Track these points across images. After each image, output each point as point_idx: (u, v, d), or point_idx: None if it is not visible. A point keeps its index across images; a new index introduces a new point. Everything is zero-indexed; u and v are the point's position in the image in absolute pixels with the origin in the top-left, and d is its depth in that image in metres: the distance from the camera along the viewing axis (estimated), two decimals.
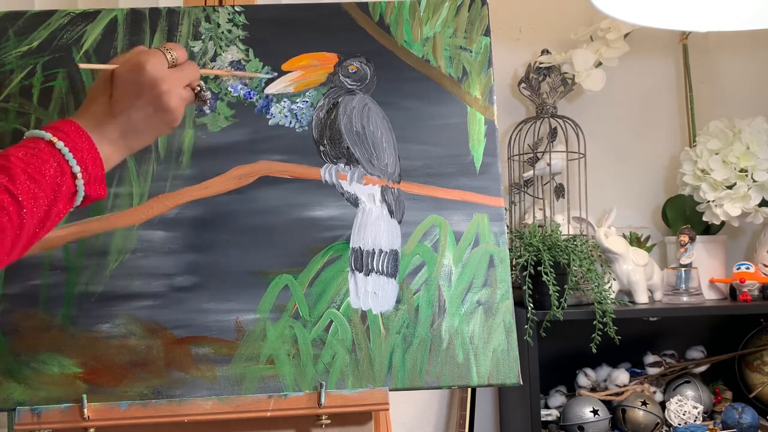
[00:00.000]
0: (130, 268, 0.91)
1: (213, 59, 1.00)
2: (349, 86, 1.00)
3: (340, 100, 0.99)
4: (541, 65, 1.53)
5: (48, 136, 0.73)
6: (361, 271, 0.94)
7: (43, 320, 0.89)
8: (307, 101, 0.99)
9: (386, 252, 0.95)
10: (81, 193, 0.75)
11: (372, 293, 0.93)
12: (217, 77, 0.99)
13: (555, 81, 1.52)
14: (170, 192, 0.94)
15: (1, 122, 0.97)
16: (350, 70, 1.00)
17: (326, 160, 0.97)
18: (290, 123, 0.98)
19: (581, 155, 1.53)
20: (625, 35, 1.53)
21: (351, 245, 0.94)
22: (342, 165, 0.97)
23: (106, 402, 0.87)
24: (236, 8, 1.02)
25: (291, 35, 1.01)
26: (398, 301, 0.93)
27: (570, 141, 1.54)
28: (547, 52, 1.54)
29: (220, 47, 1.00)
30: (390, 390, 0.90)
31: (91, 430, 0.86)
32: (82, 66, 0.86)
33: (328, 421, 0.87)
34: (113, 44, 1.00)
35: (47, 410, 0.86)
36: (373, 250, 0.94)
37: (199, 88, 0.83)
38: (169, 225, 0.93)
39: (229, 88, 0.99)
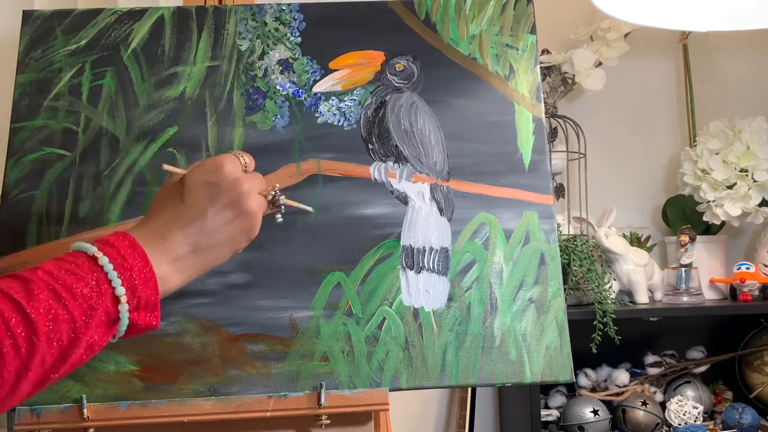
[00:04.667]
0: None
1: (260, 58, 1.00)
2: (397, 84, 1.00)
3: (387, 98, 0.99)
4: (541, 65, 1.53)
5: (92, 249, 0.62)
6: (412, 269, 0.94)
7: None
8: (355, 99, 0.99)
9: (437, 250, 0.95)
10: (125, 321, 0.62)
11: (424, 291, 0.93)
12: (266, 75, 0.99)
13: (555, 81, 1.52)
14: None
15: (51, 121, 0.97)
16: (397, 69, 1.00)
17: (375, 158, 0.97)
18: (339, 121, 0.98)
19: (581, 155, 1.53)
20: (625, 35, 1.53)
21: (402, 243, 0.94)
22: (391, 163, 0.97)
23: (106, 402, 0.86)
24: (283, 6, 1.02)
25: (338, 33, 1.01)
26: (450, 299, 0.93)
27: (570, 141, 1.54)
28: (547, 51, 1.54)
29: (268, 45, 1.01)
30: (439, 387, 0.89)
31: (91, 430, 0.86)
32: (166, 168, 0.74)
33: (328, 422, 0.87)
34: (161, 42, 1.00)
35: (47, 410, 0.86)
36: (424, 247, 0.95)
37: (274, 193, 0.77)
38: None
39: (278, 86, 0.99)
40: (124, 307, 0.62)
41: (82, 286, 0.59)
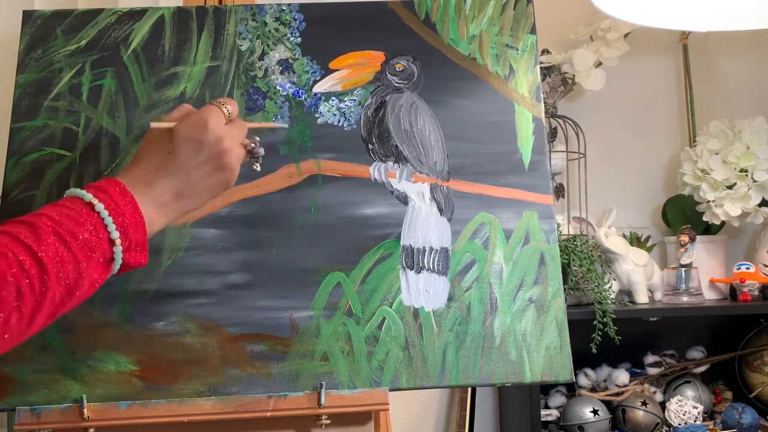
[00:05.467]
0: (184, 266, 0.92)
1: (261, 58, 1.00)
2: (397, 84, 1.00)
3: (387, 98, 0.99)
4: (541, 65, 1.53)
5: (88, 196, 0.68)
6: (412, 269, 0.94)
7: (98, 318, 0.89)
8: (355, 99, 0.99)
9: (437, 250, 0.95)
10: (118, 261, 0.69)
11: (424, 291, 0.93)
12: (266, 75, 0.99)
13: (555, 81, 1.53)
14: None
15: (52, 121, 0.97)
16: (397, 69, 1.00)
17: (375, 159, 0.97)
18: (339, 121, 0.98)
19: (581, 155, 1.53)
20: (625, 35, 1.53)
21: (402, 243, 0.94)
22: (391, 163, 0.97)
23: (106, 402, 0.86)
24: (283, 7, 1.02)
25: (338, 34, 1.01)
26: (450, 299, 0.93)
27: (570, 141, 1.54)
28: (547, 51, 1.54)
29: (268, 46, 1.01)
30: (439, 387, 0.89)
31: (91, 430, 0.86)
32: (154, 125, 0.77)
33: (328, 422, 0.87)
34: (161, 42, 1.00)
35: (47, 410, 0.86)
36: (424, 247, 0.95)
37: (253, 145, 0.81)
38: (221, 223, 0.93)
39: (278, 87, 0.99)
40: (118, 249, 0.68)
41: (82, 230, 0.65)
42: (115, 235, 0.68)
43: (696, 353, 1.56)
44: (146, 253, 0.72)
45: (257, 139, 0.82)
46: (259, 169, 0.84)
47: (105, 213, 0.67)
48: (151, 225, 0.72)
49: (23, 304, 0.61)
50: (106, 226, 0.67)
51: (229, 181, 0.78)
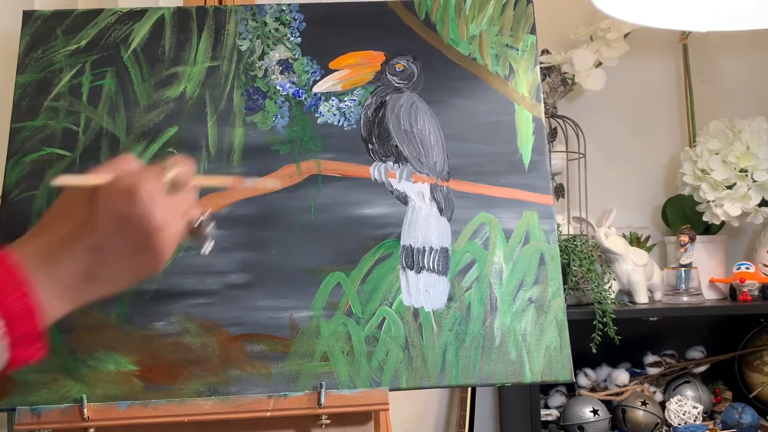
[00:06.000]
0: (184, 266, 0.92)
1: (261, 58, 1.00)
2: (397, 84, 1.00)
3: (387, 98, 0.99)
4: (541, 65, 1.53)
5: None
6: (412, 269, 0.94)
7: (98, 318, 0.89)
8: (355, 99, 0.99)
9: (437, 250, 0.95)
10: (2, 357, 0.55)
11: (424, 291, 0.93)
12: (266, 75, 0.99)
13: (555, 81, 1.52)
14: (222, 191, 0.94)
15: (52, 121, 0.97)
16: (397, 69, 1.00)
17: (375, 159, 0.97)
18: (339, 121, 0.99)
19: (581, 155, 1.53)
20: (625, 35, 1.53)
21: (402, 243, 0.94)
22: (391, 163, 0.97)
23: (106, 402, 0.86)
24: (283, 7, 1.02)
25: (338, 34, 1.01)
26: (450, 299, 0.93)
27: (570, 141, 1.54)
28: (547, 52, 1.54)
29: (268, 46, 1.01)
30: (439, 387, 0.89)
31: (91, 430, 0.86)
32: (59, 182, 0.61)
33: (328, 421, 0.87)
34: (161, 42, 1.00)
35: (47, 410, 0.86)
36: (424, 247, 0.95)
37: (199, 221, 0.65)
38: (221, 223, 0.93)
39: (278, 87, 0.99)
40: (0, 344, 0.54)
41: None
42: None
43: (696, 353, 1.56)
44: (40, 345, 0.58)
45: (208, 212, 0.66)
46: (207, 252, 0.69)
47: None
48: (48, 312, 0.57)
49: None
50: None
51: (156, 267, 0.62)
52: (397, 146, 0.98)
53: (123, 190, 0.59)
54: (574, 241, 1.39)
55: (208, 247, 0.66)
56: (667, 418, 1.44)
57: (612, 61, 1.53)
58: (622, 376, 1.50)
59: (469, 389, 1.48)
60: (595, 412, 1.42)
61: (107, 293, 0.62)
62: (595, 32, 1.54)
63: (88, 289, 0.60)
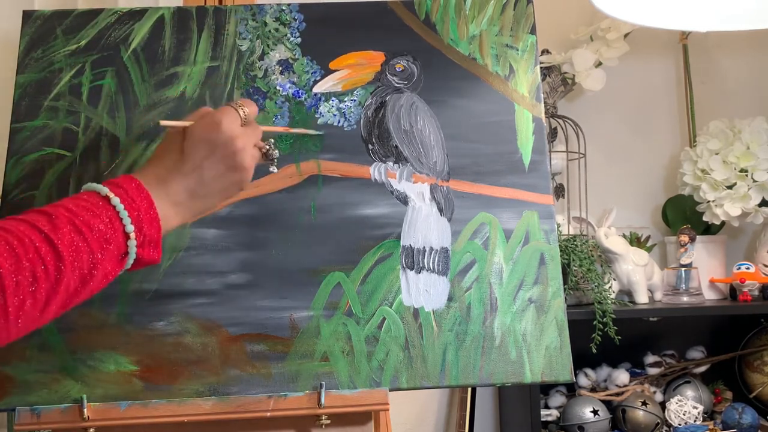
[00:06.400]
0: (184, 266, 0.92)
1: (261, 58, 1.00)
2: (397, 85, 1.00)
3: (387, 98, 0.99)
4: (541, 65, 1.53)
5: (104, 190, 0.69)
6: (412, 269, 0.94)
7: (98, 318, 0.89)
8: (355, 100, 0.99)
9: (437, 250, 0.95)
10: (132, 255, 0.70)
11: (424, 291, 0.93)
12: (266, 75, 0.99)
13: (555, 81, 1.53)
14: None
15: (52, 121, 0.97)
16: (397, 69, 1.00)
17: (375, 159, 0.97)
18: (339, 122, 0.99)
19: (581, 155, 1.53)
20: (625, 35, 1.53)
21: (402, 243, 0.94)
22: (391, 163, 0.97)
23: (106, 402, 0.86)
24: (283, 7, 1.02)
25: (338, 34, 1.01)
26: (450, 299, 0.93)
27: (570, 141, 1.54)
28: (547, 52, 1.54)
29: (268, 46, 1.01)
30: (439, 387, 0.89)
31: (91, 430, 0.86)
32: (163, 123, 0.80)
33: (328, 422, 0.87)
34: (161, 42, 1.00)
35: (47, 410, 0.86)
36: (424, 247, 0.95)
37: (268, 147, 0.83)
38: (221, 223, 0.93)
39: (278, 87, 0.99)
40: (132, 243, 0.69)
41: (98, 222, 0.66)
42: (130, 228, 0.69)
43: (696, 353, 1.56)
44: (160, 250, 0.73)
45: (272, 141, 0.83)
46: (275, 170, 0.85)
47: (121, 207, 0.68)
48: (166, 222, 0.73)
49: (38, 289, 0.62)
50: (122, 219, 0.68)
51: (243, 182, 0.78)
52: (397, 146, 0.98)
53: (211, 122, 0.76)
54: (574, 241, 1.39)
55: (275, 168, 0.85)
56: (668, 418, 1.44)
57: (612, 61, 1.53)
58: (622, 376, 1.50)
59: (469, 389, 1.48)
60: (595, 412, 1.42)
61: (209, 206, 0.78)
62: (595, 32, 1.55)
63: (194, 203, 0.75)
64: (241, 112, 0.78)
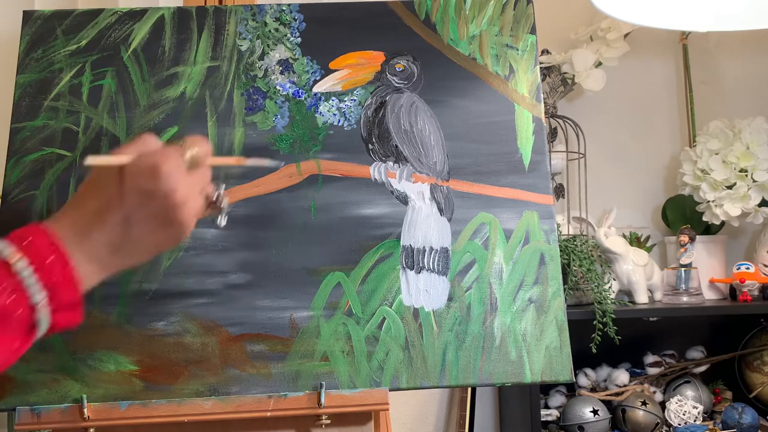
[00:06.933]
0: (184, 266, 0.92)
1: (261, 58, 1.00)
2: (397, 84, 1.00)
3: (387, 98, 0.99)
4: (541, 65, 1.53)
5: (7, 252, 0.59)
6: (412, 269, 0.94)
7: (98, 318, 0.89)
8: (355, 99, 0.99)
9: (437, 250, 0.95)
10: (44, 324, 0.60)
11: (424, 291, 0.93)
12: (266, 75, 0.99)
13: (555, 81, 1.53)
14: (221, 190, 0.94)
15: (52, 121, 0.97)
16: (397, 69, 1.00)
17: (375, 159, 0.97)
18: (339, 121, 0.99)
19: (581, 155, 1.53)
20: (625, 35, 1.53)
21: (402, 243, 0.94)
22: (391, 163, 0.97)
23: (106, 402, 0.87)
24: (283, 7, 1.02)
25: (338, 34, 1.01)
26: (450, 299, 0.93)
27: (570, 141, 1.54)
28: (547, 52, 1.54)
29: (268, 46, 1.01)
30: (439, 387, 0.89)
31: (91, 430, 0.86)
32: (90, 161, 0.65)
33: (328, 421, 0.87)
34: (161, 42, 1.00)
35: (47, 410, 0.86)
36: (424, 247, 0.95)
37: (216, 195, 0.71)
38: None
39: (278, 87, 0.99)
40: (43, 312, 0.60)
41: None
42: (38, 298, 0.59)
43: (696, 353, 1.56)
44: (79, 312, 0.63)
45: (222, 187, 0.72)
46: (223, 224, 0.75)
47: (27, 272, 0.59)
48: (85, 281, 0.64)
49: None
50: (28, 287, 0.59)
51: (179, 238, 0.67)
52: (397, 146, 0.98)
53: (148, 168, 0.63)
54: (574, 241, 1.39)
55: (223, 220, 0.74)
56: (667, 418, 1.44)
57: (612, 61, 1.53)
58: (622, 376, 1.50)
59: (469, 389, 1.48)
60: (595, 412, 1.42)
61: (135, 263, 0.67)
62: (595, 32, 1.55)
63: (118, 259, 0.65)
64: (188, 155, 0.66)
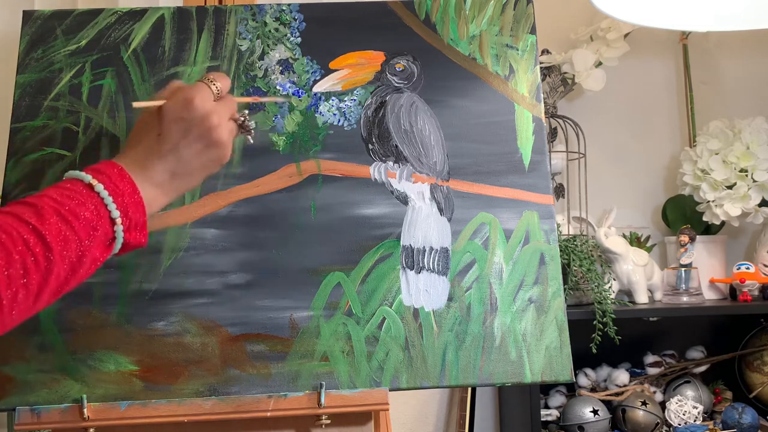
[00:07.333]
0: (184, 266, 0.92)
1: (261, 58, 1.00)
2: (397, 84, 1.00)
3: (387, 98, 0.99)
4: (541, 65, 1.53)
5: (87, 178, 0.70)
6: (412, 269, 0.94)
7: (98, 318, 0.89)
8: (355, 99, 0.99)
9: (437, 250, 0.95)
10: (120, 240, 0.70)
11: (424, 291, 0.93)
12: (266, 75, 0.99)
13: (555, 81, 1.53)
14: (222, 190, 0.94)
15: (52, 121, 0.97)
16: (397, 69, 1.00)
17: (375, 158, 0.97)
18: (339, 121, 0.98)
19: (581, 155, 1.53)
20: (625, 35, 1.53)
21: (402, 243, 0.94)
22: (391, 163, 0.97)
23: (106, 402, 0.87)
24: (283, 7, 1.02)
25: (338, 33, 1.01)
26: (450, 299, 0.93)
27: (570, 141, 1.54)
28: (547, 51, 1.54)
29: (268, 46, 1.01)
30: (439, 387, 0.89)
31: (91, 430, 0.86)
32: (136, 105, 0.80)
33: (328, 421, 0.87)
34: (161, 42, 1.00)
35: (47, 410, 0.86)
36: (424, 247, 0.95)
37: (243, 119, 0.81)
38: (221, 223, 0.93)
39: (278, 87, 0.99)
40: (119, 228, 0.70)
41: (84, 210, 0.67)
42: (116, 214, 0.69)
43: (696, 353, 1.56)
44: (146, 233, 0.73)
45: (246, 112, 0.81)
46: (252, 141, 0.84)
47: (105, 193, 0.69)
48: (150, 205, 0.73)
49: (30, 281, 0.63)
50: (107, 206, 0.69)
51: (223, 157, 0.78)
52: (397, 146, 0.98)
53: (181, 101, 0.75)
54: (574, 241, 1.39)
55: (251, 138, 0.83)
56: (667, 418, 1.44)
57: (612, 61, 1.53)
58: (622, 376, 1.50)
59: (469, 389, 1.48)
60: (595, 412, 1.42)
61: (190, 186, 0.78)
62: (595, 32, 1.54)
63: (175, 183, 0.75)
64: (214, 87, 0.77)
